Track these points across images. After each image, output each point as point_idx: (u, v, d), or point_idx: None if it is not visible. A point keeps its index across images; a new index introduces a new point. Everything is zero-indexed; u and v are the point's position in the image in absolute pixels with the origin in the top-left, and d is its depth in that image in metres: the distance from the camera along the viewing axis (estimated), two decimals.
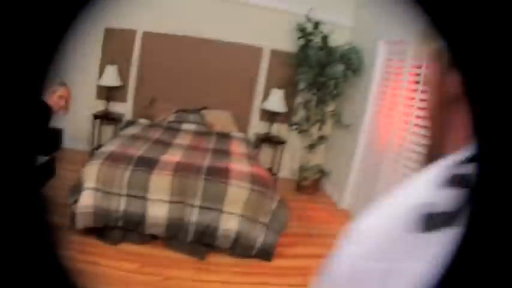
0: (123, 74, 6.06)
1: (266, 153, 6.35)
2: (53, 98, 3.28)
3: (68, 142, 6.22)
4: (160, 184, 3.69)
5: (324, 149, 6.26)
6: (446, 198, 0.51)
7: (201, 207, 3.69)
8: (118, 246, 3.69)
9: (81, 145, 6.07)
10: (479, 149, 0.55)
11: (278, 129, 6.29)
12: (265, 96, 6.10)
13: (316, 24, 5.49)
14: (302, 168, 6.03)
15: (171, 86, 6.14)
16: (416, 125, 4.08)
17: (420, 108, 4.02)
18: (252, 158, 4.70)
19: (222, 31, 5.97)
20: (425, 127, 0.78)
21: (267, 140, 6.13)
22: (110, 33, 5.96)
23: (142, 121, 5.66)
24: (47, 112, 3.24)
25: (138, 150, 4.17)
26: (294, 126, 5.95)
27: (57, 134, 6.12)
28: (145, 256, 3.61)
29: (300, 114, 5.99)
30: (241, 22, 5.97)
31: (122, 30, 5.95)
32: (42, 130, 3.54)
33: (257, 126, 6.37)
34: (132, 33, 5.99)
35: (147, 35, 6.04)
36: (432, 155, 0.74)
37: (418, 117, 4.06)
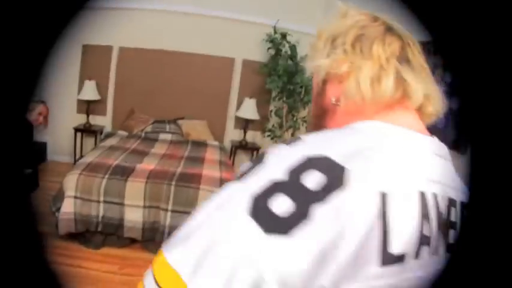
0: (102, 88, 6.35)
1: (242, 159, 6.62)
2: (33, 114, 3.58)
3: (51, 155, 6.56)
4: (134, 190, 3.99)
5: None
6: None
7: (173, 211, 3.98)
8: (100, 250, 3.98)
9: (65, 157, 6.35)
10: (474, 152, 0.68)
11: (253, 136, 6.55)
12: (239, 104, 6.37)
13: (283, 35, 5.79)
14: None
15: (148, 98, 6.40)
16: None
17: None
18: (224, 165, 4.98)
19: (195, 44, 6.25)
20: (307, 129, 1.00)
21: (242, 147, 6.38)
22: (87, 49, 6.27)
23: (121, 133, 5.96)
24: (28, 128, 3.54)
25: (115, 160, 4.47)
26: (267, 133, 6.19)
27: (41, 148, 6.41)
28: (125, 258, 3.91)
29: (273, 121, 6.25)
30: (214, 35, 6.24)
31: (98, 46, 6.26)
32: (25, 144, 3.84)
33: (232, 134, 6.64)
34: (108, 48, 6.29)
35: (123, 50, 6.33)
36: None
37: None
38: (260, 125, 6.35)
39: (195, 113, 6.45)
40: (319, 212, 0.55)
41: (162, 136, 5.94)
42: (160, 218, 4.00)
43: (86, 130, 6.28)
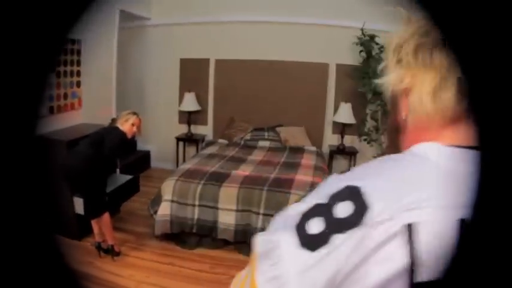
0: (202, 99, 6.71)
1: (340, 164, 6.58)
2: (127, 125, 3.87)
3: (155, 163, 7.04)
4: (228, 195, 4.14)
5: None
6: None
7: (265, 215, 4.06)
8: (194, 251, 4.19)
9: (168, 165, 6.75)
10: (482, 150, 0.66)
11: (351, 140, 6.49)
12: (336, 109, 6.35)
13: (372, 37, 5.69)
14: None
15: (247, 107, 6.60)
16: None
17: None
18: (319, 169, 4.98)
19: (289, 52, 6.37)
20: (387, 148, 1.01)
21: (340, 151, 6.34)
22: (185, 63, 6.70)
23: (221, 141, 6.22)
24: (124, 138, 3.83)
25: (212, 166, 4.69)
26: (364, 137, 6.10)
27: (145, 156, 6.90)
28: (217, 259, 4.07)
29: (369, 124, 6.15)
30: (306, 41, 6.31)
31: (195, 59, 6.65)
32: (121, 152, 4.15)
33: (330, 139, 6.61)
34: (205, 61, 6.65)
35: (219, 62, 6.63)
36: None
37: None
38: (357, 129, 6.27)
39: (293, 120, 6.52)
40: (339, 240, 0.62)
41: (260, 143, 6.08)
42: (252, 221, 4.10)
43: (187, 139, 6.68)
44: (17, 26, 0.82)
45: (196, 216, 4.15)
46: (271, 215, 4.03)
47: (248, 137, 6.24)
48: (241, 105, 6.62)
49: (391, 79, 0.80)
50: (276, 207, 4.04)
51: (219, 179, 4.33)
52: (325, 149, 6.50)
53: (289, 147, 6.01)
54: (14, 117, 0.87)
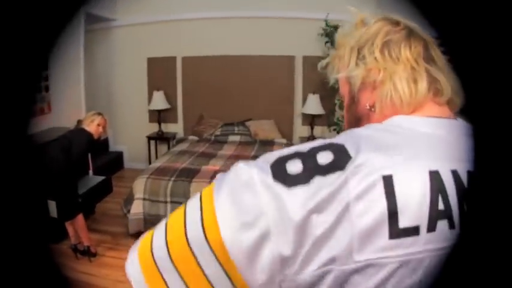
0: (171, 97, 6.77)
1: None
2: (93, 126, 3.92)
3: (128, 163, 7.11)
4: (198, 191, 4.19)
5: None
6: None
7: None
8: None
9: (141, 164, 6.76)
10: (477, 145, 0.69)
11: (321, 131, 6.59)
12: (304, 101, 6.45)
13: (336, 27, 5.77)
14: None
15: (216, 103, 6.66)
16: None
17: None
18: None
19: (255, 46, 6.45)
20: None
21: None
22: (152, 62, 6.76)
23: (192, 138, 6.30)
24: (91, 139, 3.88)
25: (183, 163, 4.78)
26: (333, 127, 6.19)
27: (118, 157, 6.95)
28: None
29: (338, 114, 6.24)
30: (271, 35, 6.38)
31: (162, 58, 6.71)
32: (88, 153, 4.19)
33: (301, 131, 6.71)
34: (172, 59, 6.70)
35: (186, 60, 6.68)
36: None
37: None
38: (326, 119, 6.36)
39: (262, 114, 6.61)
40: (318, 182, 0.64)
41: (231, 138, 6.18)
42: None
43: (158, 138, 6.75)
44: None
45: (168, 213, 4.18)
46: None
47: (218, 132, 6.32)
48: (211, 101, 6.68)
49: (360, 74, 0.85)
50: None
51: (189, 175, 4.41)
52: (296, 141, 6.59)
53: (260, 140, 6.11)
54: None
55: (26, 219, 3.96)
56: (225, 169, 4.35)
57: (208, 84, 6.63)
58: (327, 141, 0.70)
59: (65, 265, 3.90)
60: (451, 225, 0.65)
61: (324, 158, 0.66)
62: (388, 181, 0.63)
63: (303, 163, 0.66)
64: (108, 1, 6.45)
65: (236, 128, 6.33)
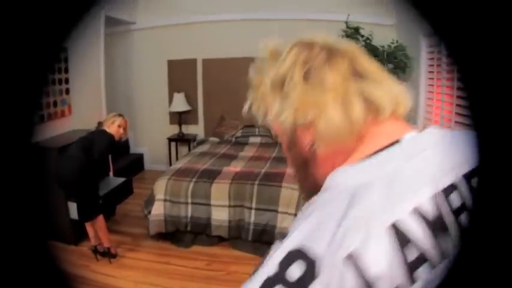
0: (192, 99, 6.78)
1: None
2: (113, 128, 3.92)
3: (149, 165, 7.13)
4: (220, 191, 4.19)
5: None
6: None
7: (257, 209, 4.11)
8: (190, 249, 4.24)
9: (161, 166, 6.78)
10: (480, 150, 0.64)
11: None
12: None
13: (356, 29, 5.73)
14: None
15: (237, 104, 6.53)
16: (457, 114, 4.21)
17: (459, 97, 4.15)
18: None
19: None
20: (300, 181, 0.90)
21: None
22: (172, 64, 6.78)
23: (213, 139, 6.27)
24: (111, 140, 3.88)
25: (204, 164, 4.75)
26: None
27: (138, 159, 6.97)
28: (213, 255, 4.12)
29: None
30: (291, 37, 6.32)
31: (183, 60, 6.73)
32: (109, 154, 4.20)
33: None
34: (193, 62, 6.71)
35: (206, 62, 6.70)
36: (309, 194, 0.81)
37: (458, 106, 4.20)
38: None
39: None
40: None
41: (251, 140, 6.15)
42: (244, 215, 4.15)
43: (179, 139, 6.75)
44: (10, 36, 0.83)
45: (189, 214, 4.21)
46: (263, 209, 4.09)
47: (239, 134, 6.29)
48: (231, 102, 6.65)
49: (290, 116, 0.77)
50: (267, 201, 4.10)
51: (211, 175, 4.38)
52: None
53: (280, 142, 6.05)
54: (8, 126, 0.88)
55: (44, 220, 3.98)
56: (246, 170, 4.35)
57: (229, 85, 6.60)
58: (285, 248, 0.63)
59: (84, 266, 3.90)
60: (436, 262, 0.62)
61: (296, 270, 0.61)
62: (354, 257, 0.59)
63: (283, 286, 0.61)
64: (127, 4, 6.49)
65: (257, 130, 6.29)
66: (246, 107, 0.91)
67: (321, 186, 0.76)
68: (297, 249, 0.62)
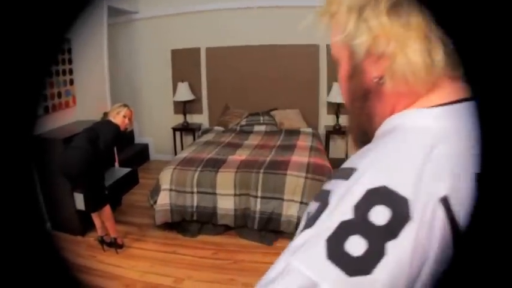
0: (196, 88, 6.77)
1: (336, 143, 6.62)
2: (119, 118, 3.91)
3: (154, 155, 7.15)
4: (225, 180, 4.19)
5: None
6: None
7: (263, 198, 4.12)
8: (196, 238, 4.26)
9: (166, 156, 6.81)
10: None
11: (346, 119, 6.49)
12: (329, 89, 6.37)
13: None
14: None
15: (241, 93, 6.64)
16: None
17: None
18: (315, 150, 5.01)
19: (278, 35, 6.37)
20: (354, 116, 0.83)
21: (336, 131, 6.34)
22: (176, 53, 6.76)
23: (217, 128, 6.27)
24: (117, 131, 3.88)
25: (209, 153, 4.75)
26: None
27: (143, 149, 6.98)
28: (219, 244, 4.14)
29: None
30: (294, 24, 6.29)
31: (186, 49, 6.71)
32: (115, 144, 4.20)
33: (326, 120, 6.64)
34: (196, 50, 6.69)
35: (210, 50, 6.67)
36: (360, 140, 0.81)
37: None
38: None
39: (287, 103, 6.56)
40: (395, 248, 0.55)
41: (256, 128, 6.14)
42: (250, 204, 4.16)
43: (184, 129, 6.75)
44: (14, 28, 0.82)
45: (195, 204, 4.22)
46: (269, 198, 4.09)
47: (244, 122, 6.29)
48: (235, 91, 6.66)
49: (366, 42, 0.70)
50: (272, 189, 4.10)
51: (216, 164, 4.38)
52: (322, 130, 6.53)
53: (285, 130, 6.06)
54: (13, 118, 0.87)
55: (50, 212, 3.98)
56: (251, 159, 4.35)
57: (233, 74, 6.60)
58: (359, 188, 0.59)
59: (91, 256, 3.93)
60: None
61: (379, 216, 0.56)
62: (445, 204, 0.57)
63: (364, 236, 0.56)
64: None
65: (261, 118, 6.28)
66: (308, 19, 0.82)
67: (373, 125, 0.75)
68: (378, 188, 0.58)
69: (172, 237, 4.29)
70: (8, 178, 0.95)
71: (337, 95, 6.09)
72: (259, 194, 4.13)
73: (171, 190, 4.24)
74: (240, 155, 4.70)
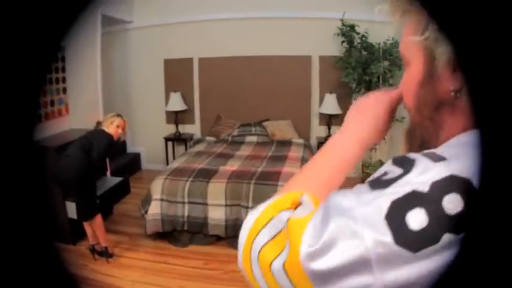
0: (188, 98, 6.79)
1: None
2: (112, 128, 3.94)
3: (146, 164, 7.16)
4: (216, 191, 4.21)
5: (385, 145, 6.33)
6: None
7: (254, 208, 4.12)
8: (187, 248, 4.27)
9: (158, 166, 6.80)
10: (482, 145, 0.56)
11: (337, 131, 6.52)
12: (321, 101, 6.40)
13: (352, 27, 5.75)
14: (364, 165, 6.21)
15: (233, 103, 6.66)
16: None
17: None
18: (306, 161, 5.00)
19: (271, 47, 6.43)
20: (419, 123, 0.76)
21: None
22: (168, 63, 6.79)
23: (209, 138, 6.30)
24: (111, 140, 3.90)
25: (200, 164, 4.77)
26: None
27: (135, 158, 6.98)
28: (210, 254, 4.15)
29: None
30: (288, 35, 6.37)
31: (179, 59, 6.73)
32: (108, 154, 4.21)
33: (318, 131, 6.66)
34: (189, 61, 6.72)
35: (203, 61, 6.70)
36: (421, 147, 0.73)
37: None
38: (342, 119, 6.27)
39: (279, 114, 6.58)
40: (450, 242, 0.53)
41: (248, 138, 6.18)
42: (241, 214, 4.18)
43: (176, 139, 6.76)
44: (6, 34, 0.81)
45: (186, 214, 4.23)
46: None
47: (235, 133, 6.32)
48: (227, 102, 6.68)
49: (445, 50, 0.64)
50: (264, 200, 4.08)
51: (207, 175, 4.40)
52: (313, 141, 6.55)
53: (277, 141, 6.08)
54: (8, 125, 0.89)
55: (42, 221, 3.98)
56: (242, 169, 4.37)
57: (225, 85, 6.63)
58: (445, 171, 0.56)
59: (82, 265, 3.92)
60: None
61: (453, 205, 0.53)
62: None
63: (429, 213, 0.53)
64: (124, 3, 6.49)
65: (253, 129, 6.32)
66: (383, 7, 0.77)
67: (438, 138, 0.71)
68: (463, 178, 0.55)
69: (163, 247, 4.30)
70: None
71: (330, 106, 6.14)
72: (250, 204, 4.15)
73: (162, 200, 4.26)
74: (232, 166, 4.73)
